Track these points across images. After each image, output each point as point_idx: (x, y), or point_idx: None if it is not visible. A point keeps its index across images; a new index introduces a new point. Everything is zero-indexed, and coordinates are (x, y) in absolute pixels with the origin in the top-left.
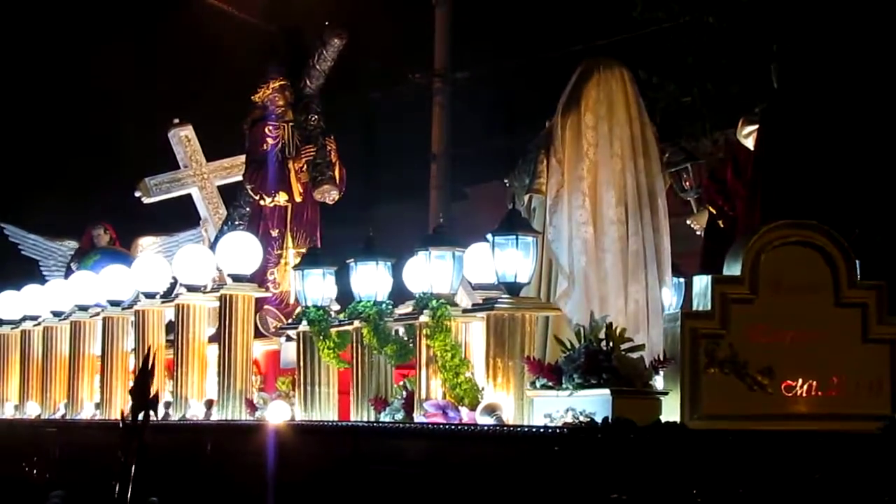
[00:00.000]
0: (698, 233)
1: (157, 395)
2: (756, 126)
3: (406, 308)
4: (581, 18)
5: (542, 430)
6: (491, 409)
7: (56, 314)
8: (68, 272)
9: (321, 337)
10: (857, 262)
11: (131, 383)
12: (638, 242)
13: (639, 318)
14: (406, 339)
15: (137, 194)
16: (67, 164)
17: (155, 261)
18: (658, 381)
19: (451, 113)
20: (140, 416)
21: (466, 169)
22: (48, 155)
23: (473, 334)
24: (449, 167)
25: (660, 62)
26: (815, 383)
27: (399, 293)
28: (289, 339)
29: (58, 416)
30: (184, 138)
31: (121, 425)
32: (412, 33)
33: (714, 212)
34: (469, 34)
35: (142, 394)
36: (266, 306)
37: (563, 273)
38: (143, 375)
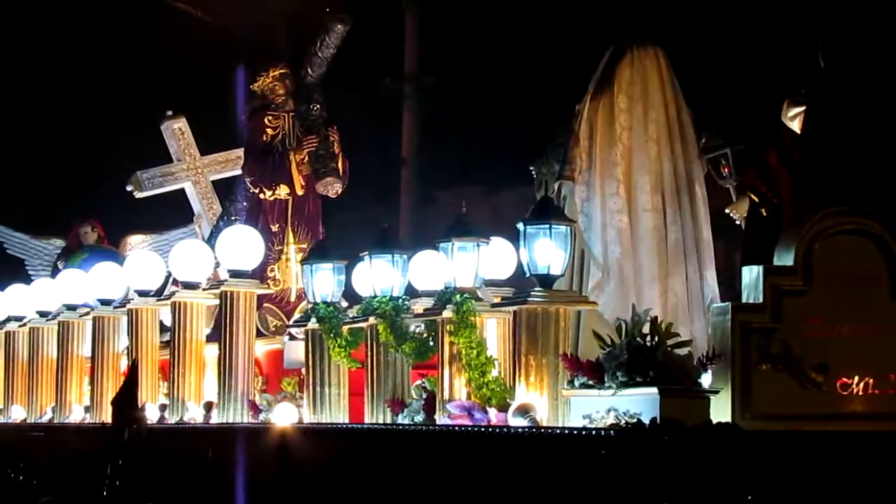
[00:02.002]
0: (738, 222)
1: (143, 408)
2: (802, 107)
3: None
4: (553, 21)
5: (585, 432)
6: (524, 410)
7: (43, 314)
8: (55, 271)
9: (331, 335)
10: None
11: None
12: (677, 232)
13: (678, 311)
14: (424, 335)
15: (129, 188)
16: (53, 160)
17: (149, 257)
18: (705, 380)
19: (420, 117)
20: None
21: (437, 173)
22: (33, 151)
23: (488, 331)
24: (419, 171)
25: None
26: (871, 381)
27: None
28: (292, 337)
29: (45, 419)
30: (177, 131)
31: (105, 438)
32: (382, 38)
33: (756, 199)
34: (439, 39)
35: (127, 406)
36: (266, 304)
37: (597, 264)
38: (128, 388)
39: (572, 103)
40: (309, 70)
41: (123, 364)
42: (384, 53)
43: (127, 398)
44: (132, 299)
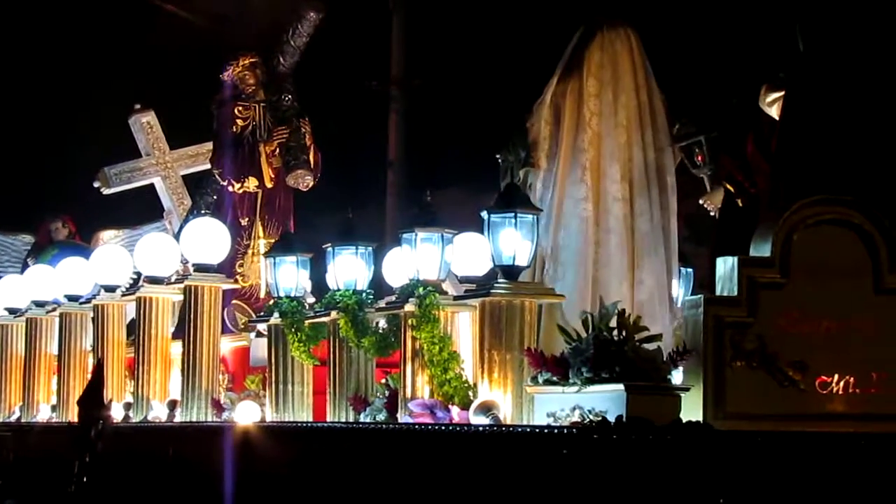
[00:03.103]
0: (712, 213)
1: (109, 406)
2: (781, 92)
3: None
4: (537, 26)
5: (548, 430)
6: (486, 408)
7: (11, 311)
8: (24, 268)
9: (293, 330)
10: None
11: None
12: (646, 223)
13: (647, 305)
14: (388, 331)
15: (96, 185)
16: (22, 155)
17: (115, 252)
18: (675, 377)
19: (407, 119)
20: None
21: (423, 175)
22: (2, 145)
23: (460, 327)
24: (406, 173)
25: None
26: (852, 379)
27: None
28: (259, 335)
29: (12, 419)
30: (145, 125)
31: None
32: (368, 40)
33: (732, 189)
34: (426, 41)
35: (92, 405)
36: (234, 301)
37: (546, 255)
38: (94, 386)
39: (541, 88)
40: (281, 59)
41: (91, 362)
42: (370, 56)
43: (93, 396)
44: (98, 295)
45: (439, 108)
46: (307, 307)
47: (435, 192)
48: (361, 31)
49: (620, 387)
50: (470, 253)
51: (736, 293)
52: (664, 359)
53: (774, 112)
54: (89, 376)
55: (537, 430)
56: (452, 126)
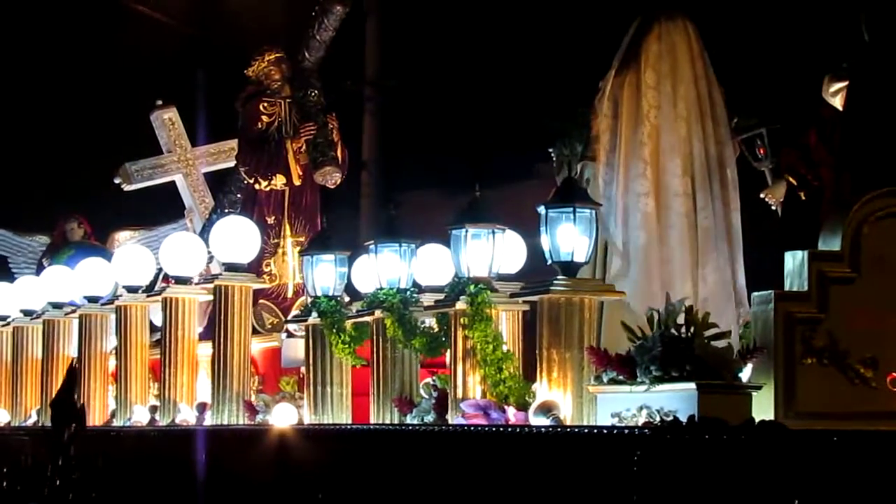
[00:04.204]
0: (774, 207)
1: (82, 408)
2: (845, 83)
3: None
4: (513, 26)
5: (619, 431)
6: (547, 409)
7: (27, 313)
8: (39, 269)
9: (334, 330)
10: None
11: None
12: (708, 218)
13: (709, 303)
14: (434, 330)
15: (117, 181)
16: (37, 154)
17: (138, 252)
18: (744, 375)
19: (381, 121)
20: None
21: (398, 177)
22: (15, 145)
23: (501, 328)
24: (380, 174)
25: None
26: None
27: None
28: (290, 335)
29: (30, 423)
30: (167, 121)
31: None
32: (343, 41)
33: (795, 182)
34: (401, 42)
35: (65, 406)
36: (261, 301)
37: (616, 251)
38: (66, 388)
39: (583, 85)
40: (306, 54)
41: (112, 364)
42: (345, 56)
43: (65, 399)
44: (121, 296)
45: (414, 109)
46: (346, 306)
47: (409, 194)
48: (336, 32)
49: (691, 385)
50: (505, 250)
51: (806, 288)
52: (733, 356)
53: (838, 103)
54: (63, 378)
55: (606, 431)
56: (427, 127)
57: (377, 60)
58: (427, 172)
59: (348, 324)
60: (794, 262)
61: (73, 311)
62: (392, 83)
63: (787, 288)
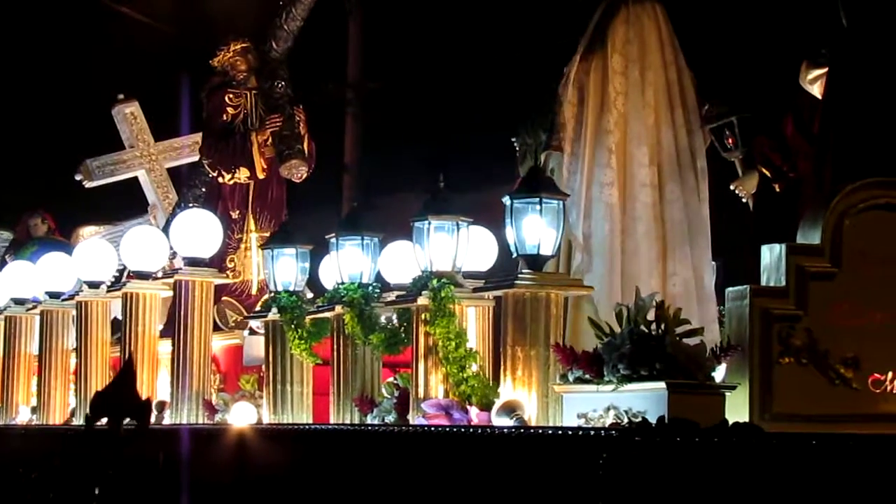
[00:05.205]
0: (744, 200)
1: (148, 401)
2: (824, 69)
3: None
4: (494, 29)
5: (585, 432)
6: (510, 409)
7: None
8: (2, 265)
9: (293, 326)
10: None
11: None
12: (677, 211)
13: (678, 299)
14: (398, 327)
15: (78, 178)
16: (0, 149)
17: (99, 246)
18: (718, 374)
19: (363, 123)
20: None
21: (379, 179)
22: None
23: (468, 325)
24: (361, 177)
25: None
26: None
27: None
28: (252, 332)
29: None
30: (129, 115)
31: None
32: (325, 43)
33: (768, 173)
34: (382, 44)
35: (121, 400)
36: (224, 297)
37: (578, 245)
38: (121, 380)
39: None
40: (273, 44)
41: (73, 362)
42: (327, 58)
43: (122, 392)
44: (82, 291)
45: (395, 111)
46: (307, 302)
47: (390, 197)
48: (317, 34)
49: (662, 385)
50: (474, 246)
51: (784, 284)
52: (707, 355)
53: (816, 90)
54: (119, 369)
55: (572, 433)
56: (408, 130)
57: (359, 63)
58: (408, 175)
59: (308, 320)
60: (771, 255)
61: (35, 308)
62: (372, 86)
63: (763, 283)
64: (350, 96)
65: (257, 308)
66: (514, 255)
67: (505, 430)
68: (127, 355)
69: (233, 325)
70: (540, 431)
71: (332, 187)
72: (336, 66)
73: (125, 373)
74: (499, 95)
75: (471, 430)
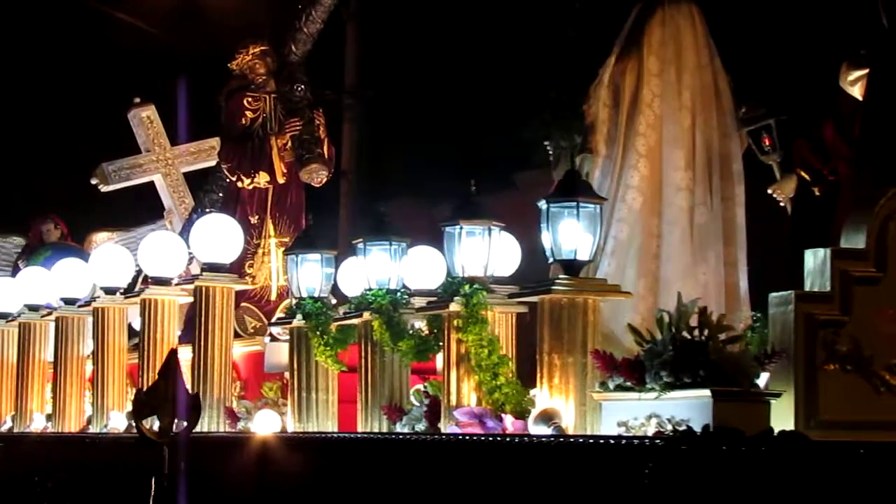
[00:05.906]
0: (782, 203)
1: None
2: (864, 70)
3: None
4: (493, 36)
5: (628, 441)
6: (548, 417)
7: (2, 316)
8: (15, 271)
9: (318, 333)
10: None
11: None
12: (712, 215)
13: (711, 304)
14: (428, 334)
15: (94, 182)
16: (11, 153)
17: (116, 252)
18: (761, 381)
19: (361, 130)
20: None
21: (377, 186)
22: None
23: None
24: (359, 183)
25: None
26: None
27: None
28: (273, 339)
29: (4, 429)
30: (145, 119)
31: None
32: (322, 49)
33: (808, 177)
34: (380, 51)
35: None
36: (243, 303)
37: (599, 249)
38: (166, 376)
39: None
40: (292, 47)
41: (89, 369)
42: (324, 65)
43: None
44: (98, 298)
45: (393, 118)
46: (333, 308)
47: (388, 203)
48: (315, 41)
49: (706, 392)
50: (500, 252)
51: (828, 288)
52: (750, 361)
53: (857, 92)
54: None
55: (614, 442)
56: (406, 137)
57: (356, 69)
58: (406, 182)
59: (333, 326)
60: (815, 260)
61: (49, 314)
62: (370, 93)
63: (807, 288)
64: (348, 102)
65: (277, 314)
66: (551, 260)
67: (543, 439)
68: (152, 359)
69: (252, 331)
70: (581, 440)
71: (330, 194)
72: (334, 72)
73: (168, 367)
74: (503, 100)
75: (510, 438)
